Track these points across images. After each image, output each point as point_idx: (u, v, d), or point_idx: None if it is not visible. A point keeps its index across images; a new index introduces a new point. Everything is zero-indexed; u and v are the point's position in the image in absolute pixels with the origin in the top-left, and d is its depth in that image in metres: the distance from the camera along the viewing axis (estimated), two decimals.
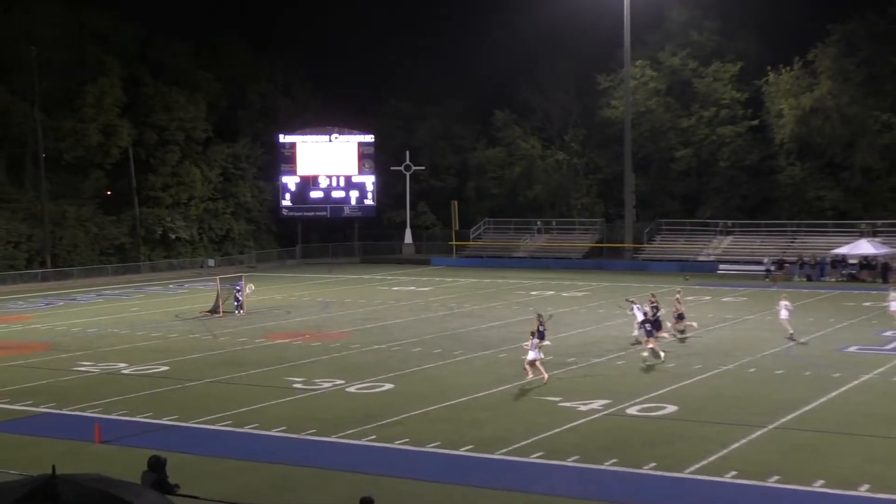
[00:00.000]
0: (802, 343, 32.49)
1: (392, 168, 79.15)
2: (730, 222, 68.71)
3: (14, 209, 63.17)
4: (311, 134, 77.63)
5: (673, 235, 69.93)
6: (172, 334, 36.86)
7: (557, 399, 23.87)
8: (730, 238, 67.74)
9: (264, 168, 77.67)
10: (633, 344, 32.28)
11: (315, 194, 77.86)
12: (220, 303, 42.94)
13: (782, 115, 68.86)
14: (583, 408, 22.89)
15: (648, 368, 28.33)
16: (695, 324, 35.03)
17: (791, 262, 58.84)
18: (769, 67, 69.72)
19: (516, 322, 38.08)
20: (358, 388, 25.80)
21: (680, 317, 34.20)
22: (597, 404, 23.20)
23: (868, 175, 66.91)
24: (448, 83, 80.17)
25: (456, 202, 76.31)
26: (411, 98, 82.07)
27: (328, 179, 77.87)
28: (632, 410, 22.70)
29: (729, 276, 59.88)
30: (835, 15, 66.72)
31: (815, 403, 23.18)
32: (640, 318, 31.82)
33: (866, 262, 56.78)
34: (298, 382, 26.59)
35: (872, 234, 61.07)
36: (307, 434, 20.87)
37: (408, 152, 79.45)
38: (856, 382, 25.70)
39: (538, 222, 75.43)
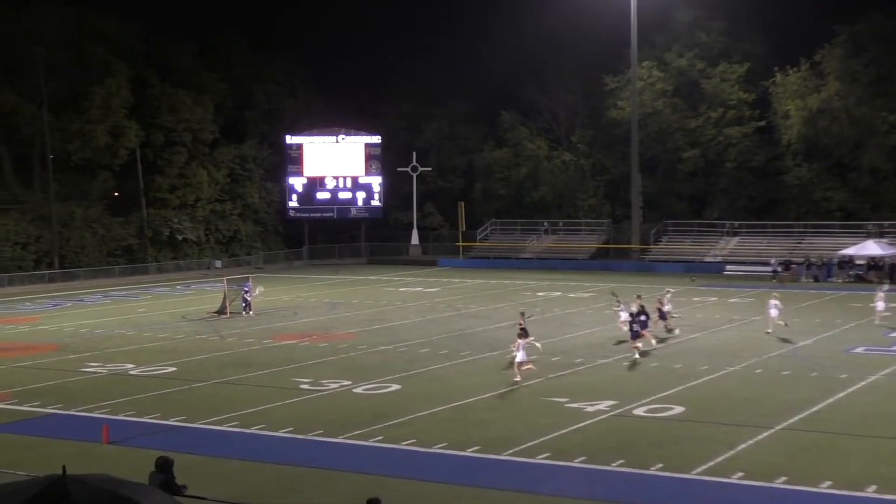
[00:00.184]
0: (785, 340, 32.59)
1: (399, 169, 79.18)
2: (737, 223, 68.65)
3: (22, 210, 63.37)
4: (317, 135, 77.74)
5: (680, 236, 69.87)
6: (179, 335, 36.92)
7: (564, 400, 23.87)
8: (736, 239, 67.66)
9: (271, 169, 77.78)
10: (615, 344, 32.53)
11: (322, 195, 77.96)
12: (228, 304, 43.01)
13: (789, 115, 68.79)
14: (589, 409, 22.88)
15: (634, 367, 28.53)
16: (677, 331, 34.84)
17: (798, 263, 58.76)
18: (776, 68, 69.64)
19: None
20: (365, 389, 25.83)
21: (662, 316, 34.22)
22: (603, 405, 23.19)
23: (876, 176, 66.83)
24: (453, 84, 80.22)
25: (462, 203, 76.33)
26: (415, 99, 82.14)
27: (335, 180, 77.96)
28: (638, 411, 22.69)
29: (736, 277, 59.81)
30: (842, 16, 66.64)
31: (822, 404, 23.14)
32: (625, 317, 32.44)
33: (874, 263, 56.68)
34: (305, 383, 26.62)
35: (880, 234, 60.95)
36: (314, 435, 20.89)
37: (414, 153, 79.48)
38: (863, 383, 25.66)
39: (545, 223, 75.40)
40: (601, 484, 17.29)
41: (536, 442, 19.89)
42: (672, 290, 39.30)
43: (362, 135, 78.08)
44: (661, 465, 18.10)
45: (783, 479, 17.18)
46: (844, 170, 68.34)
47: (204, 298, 49.48)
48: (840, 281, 55.95)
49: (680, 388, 25.35)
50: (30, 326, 40.56)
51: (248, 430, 21.45)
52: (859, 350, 31.22)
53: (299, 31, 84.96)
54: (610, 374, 27.59)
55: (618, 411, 22.67)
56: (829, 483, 16.88)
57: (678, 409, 22.79)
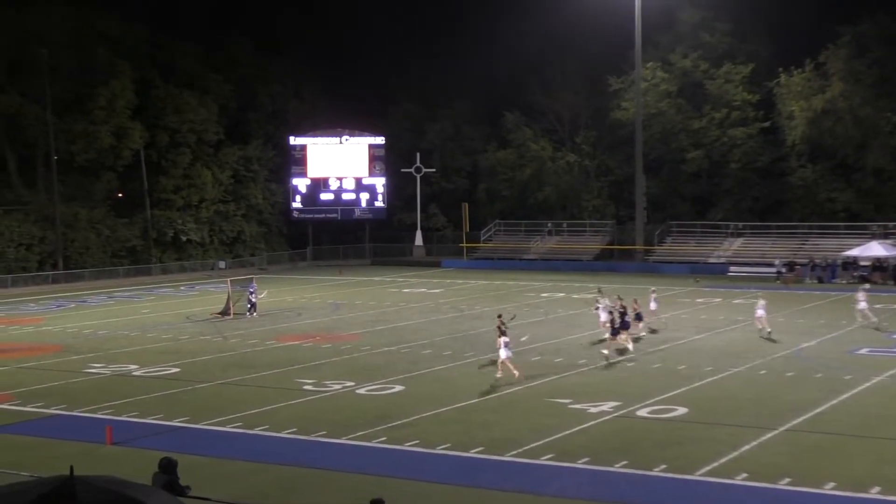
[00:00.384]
0: (772, 340, 32.92)
1: (402, 170, 79.19)
2: (741, 224, 68.56)
3: (26, 211, 63.45)
4: (321, 136, 77.80)
5: (684, 237, 69.81)
6: (183, 336, 36.95)
7: (568, 401, 23.86)
8: (741, 240, 67.58)
9: (275, 170, 77.83)
10: (594, 343, 32.75)
11: (326, 196, 78.00)
12: (231, 304, 43.04)
13: (794, 116, 68.71)
14: (593, 410, 22.87)
15: (610, 366, 28.92)
16: (644, 333, 34.66)
17: (802, 264, 58.70)
18: (780, 69, 69.58)
19: (527, 324, 38.04)
20: (368, 390, 25.83)
21: (638, 317, 34.23)
22: (607, 406, 23.18)
23: (880, 176, 66.75)
24: (457, 85, 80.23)
25: (466, 204, 76.31)
26: (419, 100, 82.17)
27: (339, 181, 77.99)
28: (642, 412, 22.68)
29: (740, 278, 59.75)
30: (846, 17, 66.60)
31: (826, 405, 23.12)
32: (604, 318, 32.84)
33: (878, 264, 56.61)
34: (309, 384, 26.63)
35: (884, 236, 60.86)
36: (317, 436, 20.90)
37: (418, 154, 79.49)
38: (867, 384, 25.63)
39: (549, 224, 75.36)
40: (605, 485, 17.28)
41: (540, 443, 19.89)
42: (655, 289, 39.66)
43: (366, 136, 78.11)
44: (664, 466, 18.09)
45: (787, 480, 17.17)
46: (849, 170, 68.28)
47: (208, 299, 49.52)
48: (844, 282, 55.81)
49: (684, 388, 25.33)
50: (34, 327, 40.62)
51: (251, 431, 21.46)
52: (863, 351, 31.18)
53: (304, 32, 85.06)
54: (613, 375, 27.58)
55: (621, 412, 22.66)
56: (832, 484, 16.86)
57: (682, 410, 22.77)
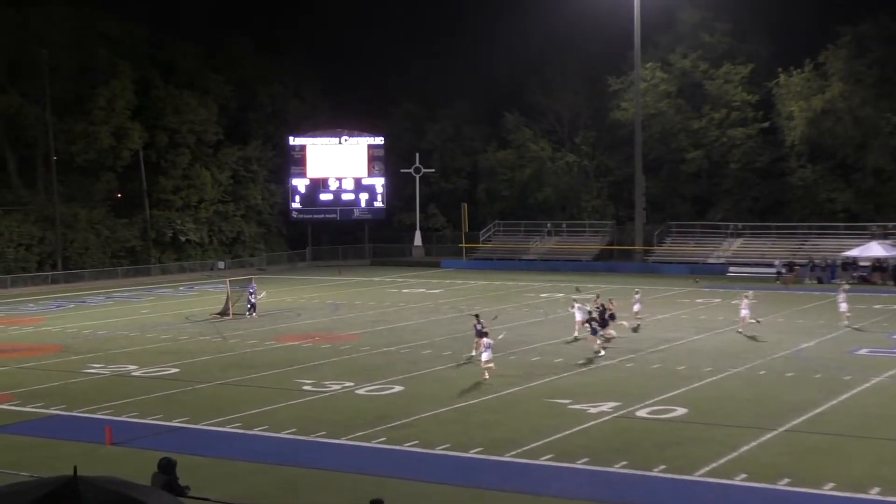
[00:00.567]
0: (751, 337, 33.24)
1: (402, 170, 79.18)
2: (740, 224, 68.56)
3: (26, 212, 63.45)
4: (320, 136, 77.80)
5: (683, 238, 69.80)
6: (182, 336, 36.94)
7: (567, 401, 23.86)
8: (740, 240, 67.57)
9: (275, 170, 77.82)
10: (568, 342, 33.01)
11: (325, 196, 78.01)
12: (230, 305, 43.03)
13: (793, 117, 68.69)
14: (592, 410, 22.87)
15: (589, 362, 29.19)
16: (613, 332, 34.46)
17: (802, 265, 58.69)
18: (780, 69, 69.58)
19: (526, 324, 38.05)
20: (368, 391, 25.83)
21: (612, 317, 34.25)
22: (606, 406, 23.18)
23: (880, 177, 66.75)
24: (457, 85, 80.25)
25: (466, 204, 76.31)
26: (420, 100, 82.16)
27: (338, 182, 77.99)
28: (642, 413, 22.68)
29: (739, 278, 59.71)
30: (846, 17, 66.61)
31: (825, 406, 23.12)
32: (580, 317, 33.25)
33: (878, 265, 56.60)
34: (308, 384, 26.62)
35: (883, 236, 60.85)
36: (317, 436, 20.90)
37: (417, 154, 79.48)
38: (866, 385, 25.64)
39: (548, 224, 75.35)
40: (604, 485, 17.29)
41: (539, 443, 19.89)
42: (639, 291, 40.26)
43: (365, 136, 78.10)
44: (664, 467, 18.09)
45: (786, 480, 17.17)
46: (848, 171, 68.27)
47: (207, 300, 49.51)
48: (844, 282, 55.79)
49: (683, 389, 25.34)
50: (33, 328, 40.61)
51: (251, 432, 21.46)
52: (863, 352, 31.18)
53: (304, 32, 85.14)
54: (613, 376, 27.57)
55: (621, 413, 22.66)
56: (832, 485, 16.86)
57: (681, 411, 22.78)
